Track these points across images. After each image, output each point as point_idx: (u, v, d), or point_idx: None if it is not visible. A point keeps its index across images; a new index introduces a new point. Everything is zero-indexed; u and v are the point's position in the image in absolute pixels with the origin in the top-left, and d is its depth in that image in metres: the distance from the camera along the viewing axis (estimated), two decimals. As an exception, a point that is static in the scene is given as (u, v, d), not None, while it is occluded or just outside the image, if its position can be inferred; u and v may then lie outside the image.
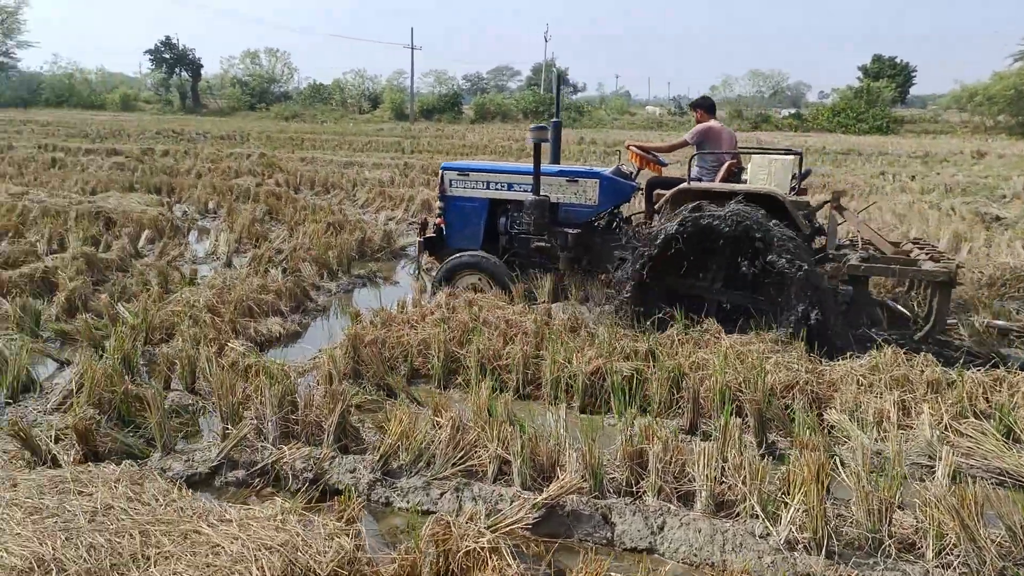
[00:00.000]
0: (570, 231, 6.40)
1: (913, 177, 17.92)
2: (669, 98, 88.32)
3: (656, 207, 6.06)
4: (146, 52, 54.79)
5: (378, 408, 4.41)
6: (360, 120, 49.42)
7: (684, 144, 6.44)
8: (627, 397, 4.47)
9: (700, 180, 6.13)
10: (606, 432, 4.21)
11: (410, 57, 54.58)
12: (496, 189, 6.69)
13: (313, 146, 25.51)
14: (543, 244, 6.38)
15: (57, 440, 3.77)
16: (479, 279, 6.47)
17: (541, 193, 6.30)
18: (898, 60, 55.72)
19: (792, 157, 5.86)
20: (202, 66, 55.68)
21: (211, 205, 12.04)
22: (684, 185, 5.82)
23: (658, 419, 4.11)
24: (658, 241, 5.37)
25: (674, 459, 3.49)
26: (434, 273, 6.89)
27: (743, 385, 4.35)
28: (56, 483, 2.82)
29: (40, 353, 5.07)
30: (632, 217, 7.02)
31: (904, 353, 4.82)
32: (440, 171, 6.97)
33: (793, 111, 52.78)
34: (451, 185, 6.83)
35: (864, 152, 26.64)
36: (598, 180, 6.45)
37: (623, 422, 3.98)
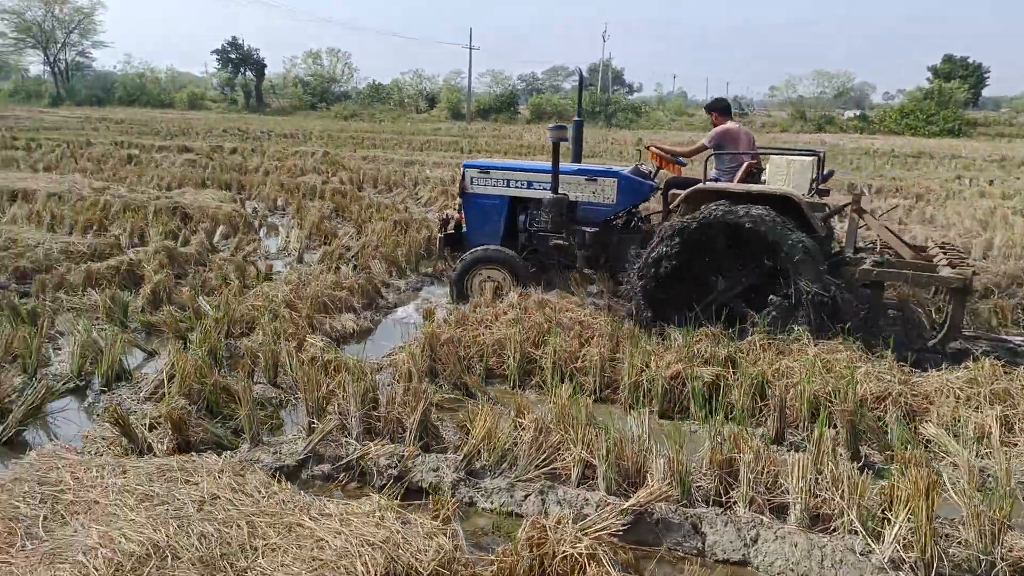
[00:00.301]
0: (588, 229, 6.46)
1: (991, 182, 17.18)
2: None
3: (671, 206, 6.08)
4: (213, 52, 56.65)
5: (457, 407, 4.42)
6: (417, 119, 49.99)
7: (703, 148, 6.40)
8: (709, 404, 4.38)
9: (718, 180, 6.14)
10: (689, 438, 4.13)
11: (468, 57, 54.76)
12: (516, 187, 6.79)
13: (373, 145, 25.90)
14: (561, 242, 6.48)
15: (151, 428, 3.89)
16: (497, 271, 6.58)
17: (560, 191, 6.38)
18: (970, 60, 53.55)
19: (811, 158, 5.79)
20: (266, 66, 57.24)
21: (279, 202, 12.31)
22: (700, 185, 5.80)
23: (743, 427, 4.01)
24: (667, 239, 5.46)
25: (766, 469, 3.40)
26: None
27: (831, 395, 4.21)
28: (163, 471, 2.90)
29: (129, 343, 5.23)
30: (650, 216, 6.98)
31: (1002, 365, 4.60)
32: (462, 169, 7.08)
33: (858, 113, 51.21)
34: (472, 183, 6.94)
35: (936, 155, 25.67)
36: (616, 179, 6.48)
37: (707, 429, 3.90)
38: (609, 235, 6.51)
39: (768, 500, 3.31)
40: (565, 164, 6.60)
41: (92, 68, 63.47)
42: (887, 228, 6.06)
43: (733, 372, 4.62)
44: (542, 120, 49.81)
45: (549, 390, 4.48)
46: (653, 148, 6.73)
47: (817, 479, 3.28)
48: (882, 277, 5.37)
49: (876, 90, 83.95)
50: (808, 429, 4.05)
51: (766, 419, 4.23)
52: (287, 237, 9.20)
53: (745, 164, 6.12)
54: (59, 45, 60.44)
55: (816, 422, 3.82)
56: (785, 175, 5.73)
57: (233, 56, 55.61)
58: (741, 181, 6.00)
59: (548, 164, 6.53)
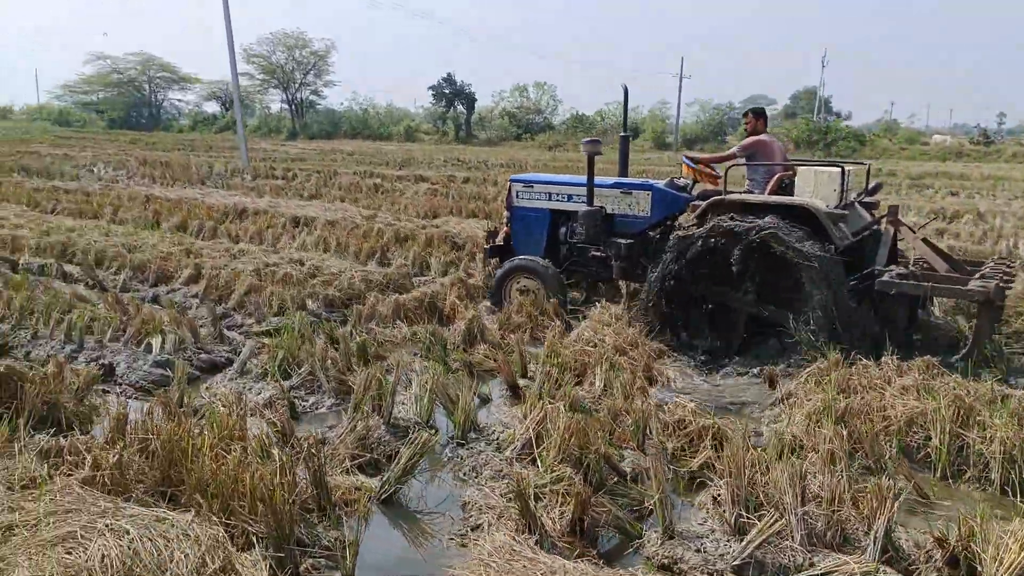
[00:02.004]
0: (623, 241, 6.55)
1: None
2: (949, 125, 78.21)
3: (692, 217, 6.10)
4: (429, 88, 60.17)
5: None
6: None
7: (733, 156, 6.49)
8: None
9: (751, 192, 6.19)
10: None
11: (678, 86, 53.61)
12: (557, 200, 7.07)
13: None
14: (598, 253, 6.74)
15: (535, 498, 3.35)
16: (532, 280, 6.77)
17: (596, 204, 6.66)
18: None
19: (838, 170, 5.72)
20: (476, 100, 59.84)
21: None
22: (719, 196, 5.80)
23: None
24: (679, 250, 5.59)
25: None
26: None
27: None
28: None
29: (467, 387, 4.83)
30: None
31: None
32: (508, 183, 7.45)
33: None
34: (518, 196, 7.29)
35: None
36: (650, 192, 6.63)
37: None
38: (644, 247, 6.55)
39: None
40: (603, 178, 6.88)
41: (322, 105, 70.13)
42: (924, 241, 5.79)
43: None
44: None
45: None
46: (686, 160, 6.82)
47: None
48: (901, 288, 5.21)
49: None
50: None
51: None
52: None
53: (776, 176, 6.17)
54: (297, 85, 67.50)
55: None
56: (813, 187, 5.72)
57: (447, 91, 58.73)
58: (772, 193, 5.99)
59: (601, 180, 6.80)
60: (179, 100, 76.81)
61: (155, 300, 7.38)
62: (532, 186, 7.28)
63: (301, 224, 11.15)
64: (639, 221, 6.67)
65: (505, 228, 7.50)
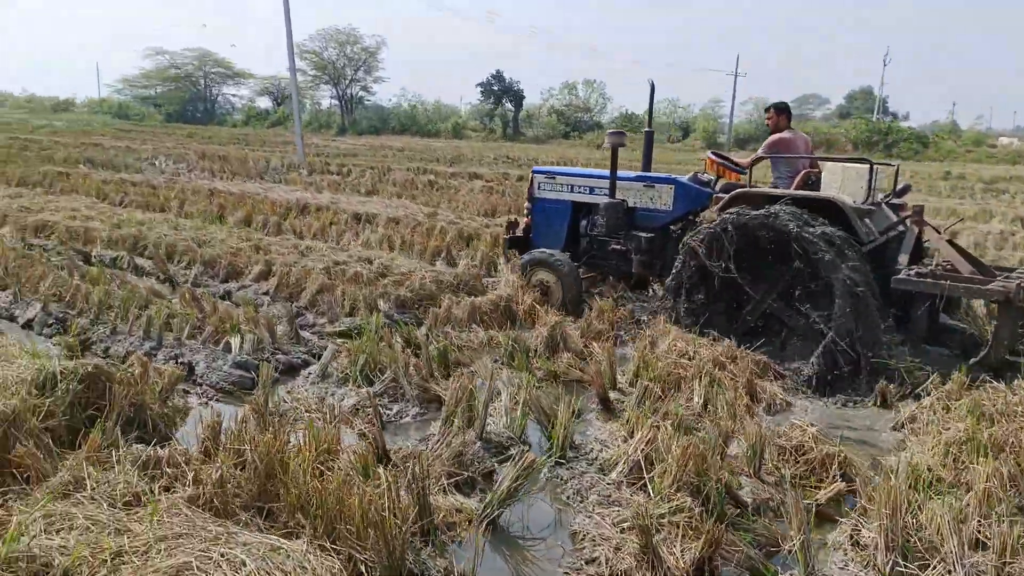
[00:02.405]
0: (644, 235, 6.52)
1: None
2: (1012, 128, 75.20)
3: (711, 210, 5.96)
4: (478, 85, 60.21)
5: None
6: (670, 148, 48.76)
7: (760, 159, 6.34)
8: None
9: (775, 187, 6.15)
10: None
11: (733, 84, 52.57)
12: (579, 192, 7.06)
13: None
14: (619, 247, 6.70)
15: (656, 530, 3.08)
16: (548, 274, 6.72)
17: (618, 197, 6.64)
18: None
19: (865, 166, 5.61)
20: (524, 97, 59.71)
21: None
22: (740, 190, 5.81)
23: None
24: (696, 241, 5.56)
25: None
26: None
27: None
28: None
29: (556, 399, 4.58)
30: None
31: None
32: (531, 174, 7.46)
33: None
34: (539, 188, 7.31)
35: None
36: (673, 186, 6.57)
37: None
38: (665, 241, 6.45)
39: None
40: (625, 171, 6.85)
41: (371, 101, 70.71)
42: (949, 242, 5.65)
43: None
44: (807, 150, 46.04)
45: None
46: (711, 156, 6.72)
47: None
48: (918, 286, 5.07)
49: None
50: None
51: None
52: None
53: (802, 172, 6.10)
54: (347, 81, 68.17)
55: None
56: (840, 181, 5.65)
57: (496, 88, 58.66)
58: (798, 187, 5.97)
59: (624, 173, 6.78)
60: (233, 95, 78.34)
61: (226, 296, 7.31)
62: (555, 178, 7.26)
63: (363, 221, 11.05)
64: (661, 215, 6.63)
65: (526, 219, 7.56)
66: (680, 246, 5.83)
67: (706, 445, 3.42)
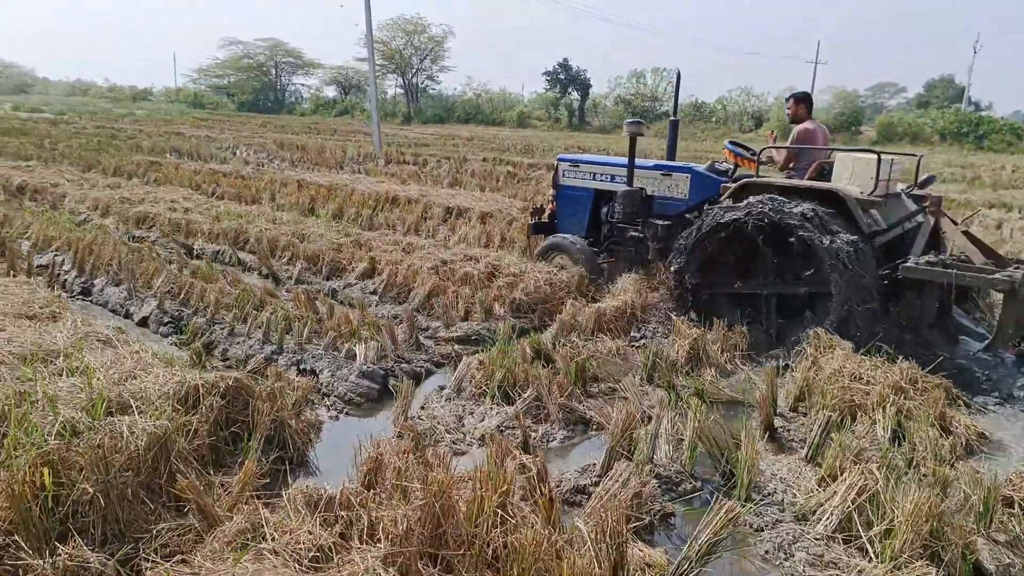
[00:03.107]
0: (661, 223, 6.66)
1: None
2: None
3: (720, 199, 6.11)
4: (544, 73, 59.56)
5: None
6: (743, 139, 47.29)
7: (791, 155, 6.46)
8: None
9: (792, 177, 6.31)
10: None
11: (812, 73, 50.67)
12: (601, 180, 7.27)
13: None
14: (637, 234, 6.85)
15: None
16: (565, 257, 7.13)
17: (637, 185, 6.84)
18: None
19: (873, 157, 5.48)
20: (591, 86, 58.79)
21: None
22: (747, 179, 5.94)
23: None
24: (701, 230, 5.69)
25: None
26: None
27: None
28: None
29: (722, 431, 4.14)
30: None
31: None
32: (556, 162, 7.69)
33: None
34: (564, 175, 7.54)
35: None
36: (689, 175, 6.71)
37: None
38: (682, 230, 6.28)
39: None
40: (644, 160, 7.13)
41: (435, 90, 70.82)
42: (964, 233, 5.52)
43: None
44: (891, 141, 43.90)
45: None
46: (728, 147, 6.85)
47: None
48: (925, 275, 5.05)
49: None
50: None
51: None
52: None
53: (816, 162, 6.25)
54: (414, 70, 68.42)
55: None
56: (850, 173, 5.66)
57: (562, 77, 57.91)
58: (811, 178, 6.08)
59: (642, 162, 7.01)
60: (302, 84, 79.64)
61: (332, 294, 7.11)
62: (578, 165, 7.49)
63: (454, 214, 10.76)
64: (678, 203, 6.78)
65: (551, 206, 7.76)
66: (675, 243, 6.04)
67: (947, 503, 2.93)
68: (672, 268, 5.93)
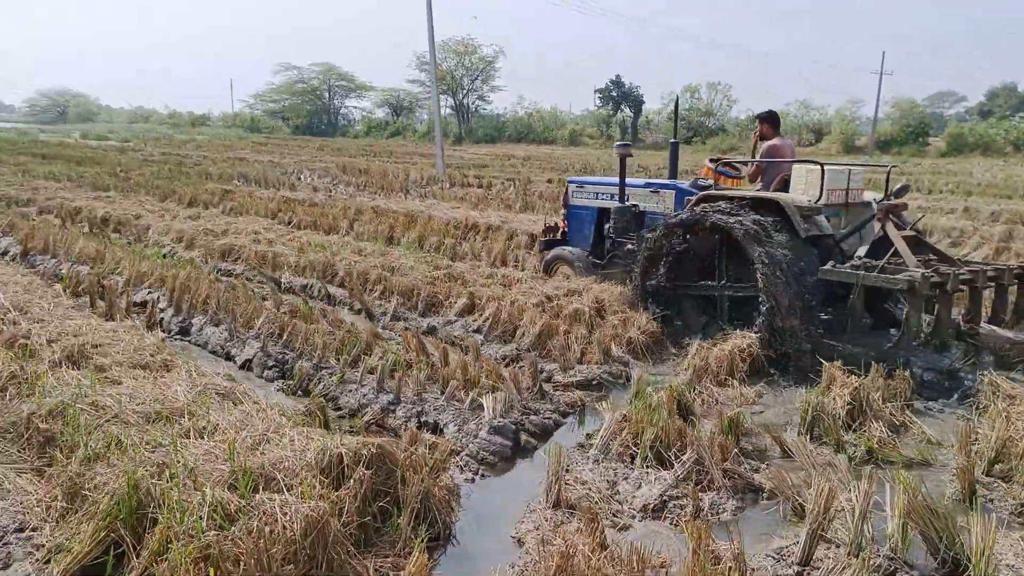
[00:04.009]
0: (637, 244, 6.93)
1: None
2: None
3: (686, 210, 6.43)
4: (596, 91, 59.30)
5: None
6: (803, 153, 45.97)
7: (759, 169, 7.06)
8: None
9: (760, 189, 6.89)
10: None
11: (878, 83, 49.34)
12: (602, 199, 7.94)
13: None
14: (632, 247, 7.15)
15: None
16: (567, 267, 7.94)
17: (630, 202, 7.58)
18: None
19: (817, 167, 6.08)
20: (644, 102, 58.23)
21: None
22: (705, 192, 6.60)
23: None
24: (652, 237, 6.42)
25: None
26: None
27: None
28: None
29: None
30: None
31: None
32: (566, 183, 8.49)
33: None
34: (573, 195, 8.27)
35: None
36: (674, 191, 7.36)
37: None
38: None
39: None
40: (634, 179, 8.00)
41: (486, 109, 71.14)
42: (911, 237, 5.90)
43: None
44: (961, 153, 42.17)
45: None
46: (708, 164, 7.62)
47: None
48: (837, 277, 5.51)
49: None
50: None
51: None
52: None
53: (780, 175, 6.71)
54: (465, 91, 68.91)
55: None
56: (804, 183, 6.18)
57: (614, 94, 57.50)
58: (776, 189, 6.61)
59: (634, 181, 7.83)
60: (354, 107, 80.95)
61: (430, 332, 6.80)
62: (584, 186, 8.27)
63: (540, 243, 10.40)
64: (665, 217, 7.15)
65: (563, 223, 8.49)
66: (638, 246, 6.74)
67: None
68: (636, 267, 6.59)
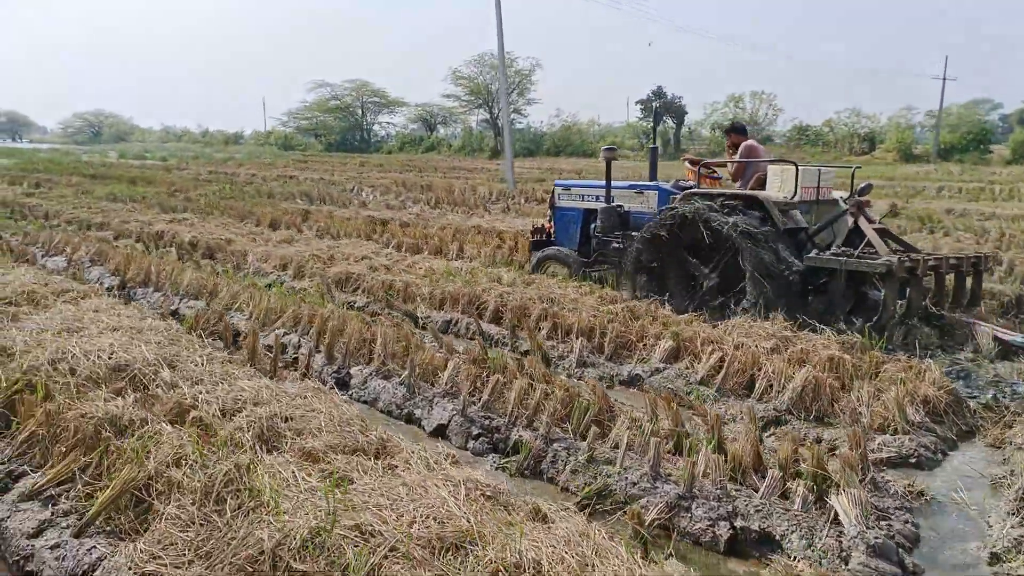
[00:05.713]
0: (636, 234, 7.31)
1: None
2: None
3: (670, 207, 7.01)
4: (637, 102, 57.98)
5: None
6: (856, 161, 44.25)
7: (741, 167, 7.61)
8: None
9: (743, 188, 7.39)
10: None
11: (940, 90, 47.52)
12: (588, 201, 8.37)
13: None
14: (618, 245, 7.73)
15: None
16: (558, 265, 8.35)
17: (615, 203, 7.96)
18: None
19: (792, 167, 6.76)
20: (687, 112, 56.74)
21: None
22: (688, 191, 7.12)
23: None
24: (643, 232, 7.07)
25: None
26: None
27: None
28: None
29: None
30: None
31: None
32: (553, 187, 8.86)
33: None
34: (559, 198, 8.70)
35: None
36: (657, 191, 7.81)
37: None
38: None
39: None
40: (620, 181, 8.69)
41: (522, 123, 70.07)
42: (879, 230, 6.51)
43: None
44: (1022, 161, 40.20)
45: None
46: (687, 165, 8.38)
47: None
48: (821, 264, 6.16)
49: None
50: None
51: None
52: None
53: (756, 175, 7.31)
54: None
55: None
56: (780, 181, 6.80)
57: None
58: (753, 187, 7.20)
59: (618, 183, 8.34)
60: (388, 123, 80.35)
61: (632, 383, 5.57)
62: (570, 189, 8.61)
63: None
64: (648, 216, 7.52)
65: (549, 225, 8.81)
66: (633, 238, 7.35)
67: None
68: (628, 258, 7.19)
